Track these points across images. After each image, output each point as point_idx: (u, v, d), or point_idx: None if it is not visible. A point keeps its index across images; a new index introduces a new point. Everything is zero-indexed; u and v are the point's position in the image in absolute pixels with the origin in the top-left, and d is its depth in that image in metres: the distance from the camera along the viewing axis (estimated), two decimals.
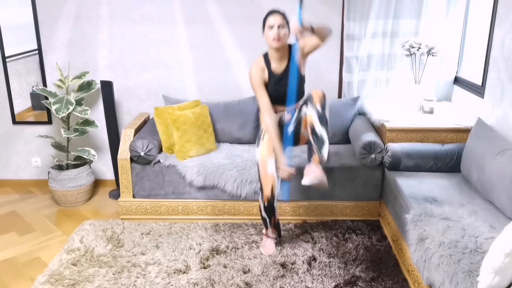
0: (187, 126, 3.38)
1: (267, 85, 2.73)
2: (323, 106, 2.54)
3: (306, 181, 2.52)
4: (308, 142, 2.63)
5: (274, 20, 2.59)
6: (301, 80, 2.74)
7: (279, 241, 3.08)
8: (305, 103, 2.60)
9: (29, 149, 4.03)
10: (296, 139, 2.75)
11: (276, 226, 2.97)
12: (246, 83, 3.87)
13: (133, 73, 3.87)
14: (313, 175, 2.52)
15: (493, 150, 2.65)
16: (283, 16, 2.64)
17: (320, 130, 2.54)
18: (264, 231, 3.00)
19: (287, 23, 2.63)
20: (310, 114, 2.55)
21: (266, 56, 2.75)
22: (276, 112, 2.76)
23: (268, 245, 2.96)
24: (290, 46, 2.73)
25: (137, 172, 3.34)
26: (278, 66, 2.72)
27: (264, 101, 2.70)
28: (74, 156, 3.77)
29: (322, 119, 2.54)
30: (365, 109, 3.69)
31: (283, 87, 2.71)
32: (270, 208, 2.82)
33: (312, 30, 2.56)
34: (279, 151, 2.66)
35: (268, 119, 2.69)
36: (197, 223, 3.33)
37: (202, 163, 3.30)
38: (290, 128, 2.75)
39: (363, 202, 3.35)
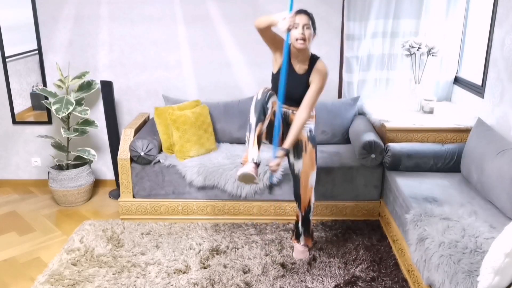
0: (187, 126, 3.38)
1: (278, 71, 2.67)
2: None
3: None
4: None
5: (300, 19, 2.51)
6: (303, 89, 2.68)
7: (279, 241, 3.08)
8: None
9: (29, 149, 4.03)
10: (282, 139, 2.72)
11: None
12: (246, 83, 3.88)
13: (133, 73, 3.87)
14: (296, 254, 2.91)
15: (493, 150, 2.65)
16: (309, 16, 2.56)
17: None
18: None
19: (313, 23, 2.57)
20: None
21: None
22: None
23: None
24: (313, 58, 2.65)
25: (137, 172, 3.34)
26: (298, 66, 2.66)
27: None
28: (74, 156, 3.77)
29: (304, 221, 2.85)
30: (365, 109, 3.69)
31: (291, 86, 2.64)
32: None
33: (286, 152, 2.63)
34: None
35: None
36: (197, 223, 3.33)
37: (202, 163, 3.30)
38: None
39: (363, 202, 3.35)
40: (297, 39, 2.53)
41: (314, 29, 2.58)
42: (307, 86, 2.65)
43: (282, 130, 2.71)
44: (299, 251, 2.91)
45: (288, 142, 2.61)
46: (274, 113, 2.66)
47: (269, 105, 2.56)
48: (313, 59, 2.65)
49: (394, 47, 3.70)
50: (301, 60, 2.65)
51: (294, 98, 2.66)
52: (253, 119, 2.55)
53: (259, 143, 2.60)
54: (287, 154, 2.68)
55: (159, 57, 3.83)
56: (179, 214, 3.39)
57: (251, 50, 3.76)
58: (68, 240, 3.15)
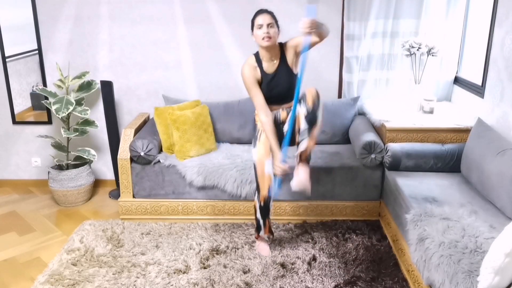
0: (187, 126, 3.38)
1: (260, 84, 2.72)
2: (315, 105, 2.54)
3: (292, 185, 2.67)
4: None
5: (263, 19, 2.59)
6: (294, 78, 2.72)
7: (279, 241, 3.08)
8: (299, 101, 2.60)
9: (29, 149, 4.03)
10: (293, 138, 2.73)
11: (269, 228, 2.98)
12: None
13: (133, 73, 3.87)
14: (297, 180, 2.65)
15: (493, 150, 2.65)
16: (272, 15, 2.63)
17: (304, 128, 2.59)
18: (255, 234, 3.00)
19: (276, 22, 2.63)
20: (301, 112, 2.57)
21: (257, 56, 2.74)
22: (271, 111, 2.76)
23: (262, 247, 2.96)
24: (281, 45, 2.71)
25: (137, 172, 3.34)
26: (269, 66, 2.71)
27: (259, 99, 2.70)
28: (74, 156, 3.77)
29: (309, 117, 2.55)
30: (365, 109, 3.69)
31: (276, 87, 2.71)
32: (265, 209, 2.83)
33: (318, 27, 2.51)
34: (276, 149, 2.66)
35: (264, 117, 2.68)
36: (197, 223, 3.33)
37: (202, 163, 3.30)
38: (285, 128, 2.75)
39: (363, 202, 3.35)
40: (263, 38, 2.58)
41: (278, 26, 2.64)
42: (292, 73, 2.70)
43: (281, 131, 2.76)
44: (301, 178, 2.70)
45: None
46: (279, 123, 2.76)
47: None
48: (281, 46, 2.71)
49: (394, 47, 3.70)
50: (273, 56, 2.70)
51: (284, 96, 2.72)
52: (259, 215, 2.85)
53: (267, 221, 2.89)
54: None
55: (159, 57, 3.83)
56: (179, 214, 3.39)
57: (251, 50, 3.72)
58: (68, 240, 3.15)
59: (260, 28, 2.59)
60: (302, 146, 2.63)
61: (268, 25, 2.58)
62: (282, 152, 2.66)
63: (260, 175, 2.75)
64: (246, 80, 2.71)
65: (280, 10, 3.60)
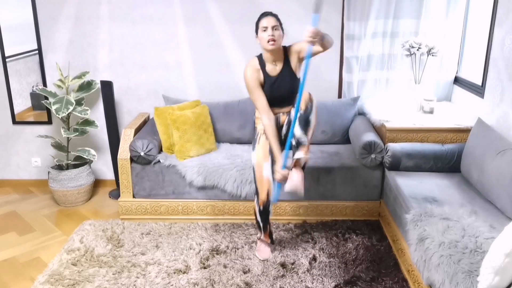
0: (187, 126, 3.38)
1: (262, 87, 2.70)
2: (307, 109, 2.56)
3: (285, 186, 2.67)
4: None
5: (268, 22, 2.57)
6: (296, 82, 2.71)
7: (279, 241, 3.08)
8: (293, 106, 2.61)
9: (29, 149, 4.03)
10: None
11: (269, 232, 2.97)
12: None
13: (133, 73, 3.87)
14: (290, 182, 2.65)
15: (493, 150, 2.65)
16: (276, 17, 2.62)
17: (298, 132, 2.61)
18: (258, 235, 2.99)
19: (280, 24, 2.62)
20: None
21: (260, 58, 2.72)
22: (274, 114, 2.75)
23: (263, 249, 2.94)
24: (285, 48, 2.70)
25: (137, 172, 3.34)
26: (273, 69, 2.69)
27: (261, 101, 2.68)
28: (74, 156, 3.77)
29: (302, 121, 2.58)
30: (365, 109, 3.69)
31: (278, 89, 2.69)
32: (265, 213, 2.82)
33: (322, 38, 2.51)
34: (277, 153, 2.65)
35: (266, 120, 2.67)
36: (197, 223, 3.33)
37: (202, 163, 3.30)
38: (283, 131, 2.76)
39: (363, 202, 3.35)
40: (268, 41, 2.56)
41: (282, 29, 2.63)
42: (295, 79, 2.69)
43: (280, 134, 2.77)
44: (293, 181, 2.70)
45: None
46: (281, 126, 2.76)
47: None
48: (285, 50, 2.70)
49: (394, 47, 3.70)
50: (277, 59, 2.69)
51: (286, 99, 2.72)
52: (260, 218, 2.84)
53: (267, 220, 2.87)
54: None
55: (159, 57, 3.83)
56: (179, 214, 3.39)
57: (251, 50, 3.72)
58: (68, 240, 3.15)
59: (265, 30, 2.57)
60: (297, 155, 2.65)
61: (273, 27, 2.56)
62: (283, 157, 2.65)
63: (259, 178, 2.74)
64: (248, 83, 2.69)
65: (281, 10, 3.61)
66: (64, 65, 3.78)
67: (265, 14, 2.62)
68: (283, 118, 2.77)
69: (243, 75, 2.72)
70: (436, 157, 3.08)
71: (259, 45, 2.66)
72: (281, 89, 2.69)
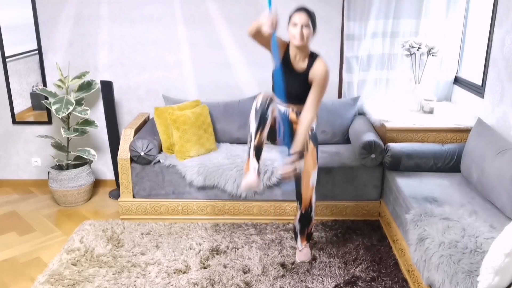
0: (187, 126, 3.38)
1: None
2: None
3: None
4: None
5: (300, 18, 2.50)
6: (307, 88, 2.66)
7: (279, 241, 3.08)
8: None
9: (29, 149, 4.03)
10: (291, 139, 2.69)
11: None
12: (246, 83, 3.88)
13: (133, 73, 3.87)
14: (299, 257, 2.88)
15: (493, 150, 2.65)
16: (310, 15, 2.53)
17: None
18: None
19: (313, 22, 2.54)
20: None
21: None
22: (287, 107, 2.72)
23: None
24: (312, 56, 2.62)
25: (137, 172, 3.34)
26: (295, 63, 2.63)
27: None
28: (74, 156, 3.77)
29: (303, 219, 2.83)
30: (365, 109, 3.69)
31: (294, 87, 2.63)
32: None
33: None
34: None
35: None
36: (197, 223, 3.34)
37: (202, 163, 3.30)
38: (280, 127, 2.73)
39: (363, 202, 3.35)
40: (294, 37, 2.51)
41: (314, 27, 2.55)
42: (306, 84, 2.62)
43: (283, 130, 2.70)
44: (301, 253, 2.89)
45: (297, 145, 2.57)
46: (274, 118, 2.65)
47: (269, 112, 2.54)
48: (312, 57, 2.62)
49: (394, 47, 3.70)
50: (300, 58, 2.62)
51: (293, 96, 2.65)
52: (253, 126, 2.54)
53: (259, 153, 2.61)
54: (301, 156, 2.61)
55: (159, 57, 3.83)
56: (179, 214, 3.39)
57: (251, 50, 3.75)
58: (68, 240, 3.15)
59: (295, 26, 2.51)
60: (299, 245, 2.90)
61: (304, 25, 2.50)
62: (283, 155, 2.64)
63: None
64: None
65: (281, 10, 3.61)
66: (64, 65, 3.78)
67: (299, 9, 2.53)
68: (292, 115, 2.73)
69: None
70: (436, 157, 3.08)
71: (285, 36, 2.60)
72: (293, 86, 2.63)
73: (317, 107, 2.63)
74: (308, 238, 2.93)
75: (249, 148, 2.58)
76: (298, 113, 2.71)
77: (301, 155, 2.58)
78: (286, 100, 2.65)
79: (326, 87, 2.61)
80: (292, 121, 2.74)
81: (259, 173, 2.61)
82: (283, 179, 2.70)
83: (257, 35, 2.55)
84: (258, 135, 2.53)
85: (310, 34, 2.54)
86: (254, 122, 2.53)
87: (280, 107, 2.71)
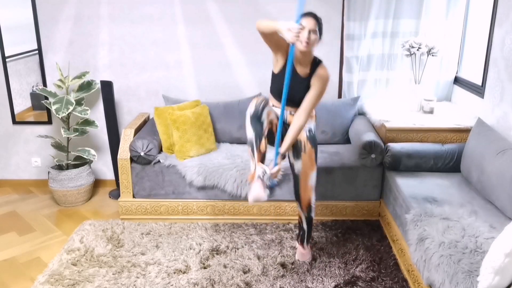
0: (187, 126, 3.38)
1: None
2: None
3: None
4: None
5: (307, 23, 2.47)
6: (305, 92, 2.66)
7: (279, 241, 3.08)
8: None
9: (29, 149, 4.03)
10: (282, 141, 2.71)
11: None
12: (246, 83, 3.88)
13: (133, 73, 3.87)
14: (299, 256, 2.91)
15: (493, 150, 2.65)
16: (317, 21, 2.52)
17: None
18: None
19: (320, 29, 2.52)
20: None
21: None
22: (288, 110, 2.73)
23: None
24: (315, 61, 2.61)
25: (137, 172, 3.34)
26: (298, 68, 2.62)
27: None
28: (74, 156, 3.77)
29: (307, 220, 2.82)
30: (365, 109, 3.69)
31: (295, 90, 2.62)
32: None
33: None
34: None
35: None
36: (197, 223, 3.34)
37: (202, 163, 3.30)
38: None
39: (363, 202, 3.35)
40: (301, 42, 2.48)
41: (321, 34, 2.54)
42: (307, 88, 2.62)
43: (282, 132, 2.70)
44: (302, 253, 2.89)
45: (284, 147, 2.59)
46: (271, 121, 2.65)
47: (264, 116, 2.54)
48: (315, 63, 2.61)
49: (394, 47, 3.70)
50: (303, 63, 2.61)
51: (294, 100, 2.64)
52: (251, 133, 2.53)
53: (263, 158, 2.61)
54: (284, 157, 2.65)
55: (159, 57, 3.83)
56: (179, 214, 3.39)
57: (251, 50, 3.76)
58: (68, 240, 3.15)
59: (302, 30, 2.47)
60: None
61: (311, 30, 2.47)
62: (274, 156, 2.63)
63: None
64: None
65: (281, 9, 3.61)
66: (64, 65, 3.78)
67: (307, 14, 2.51)
68: (290, 118, 2.72)
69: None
70: (436, 157, 3.08)
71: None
72: (294, 90, 2.61)
73: (310, 112, 2.64)
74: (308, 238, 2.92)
75: (251, 155, 2.59)
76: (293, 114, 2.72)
77: (284, 156, 2.64)
78: (286, 103, 2.65)
79: (323, 93, 2.62)
80: (289, 124, 2.74)
81: (263, 180, 2.59)
82: (271, 177, 2.68)
83: (269, 35, 2.53)
84: (259, 144, 2.55)
85: (316, 40, 2.52)
86: (252, 129, 2.54)
87: (277, 110, 2.71)
